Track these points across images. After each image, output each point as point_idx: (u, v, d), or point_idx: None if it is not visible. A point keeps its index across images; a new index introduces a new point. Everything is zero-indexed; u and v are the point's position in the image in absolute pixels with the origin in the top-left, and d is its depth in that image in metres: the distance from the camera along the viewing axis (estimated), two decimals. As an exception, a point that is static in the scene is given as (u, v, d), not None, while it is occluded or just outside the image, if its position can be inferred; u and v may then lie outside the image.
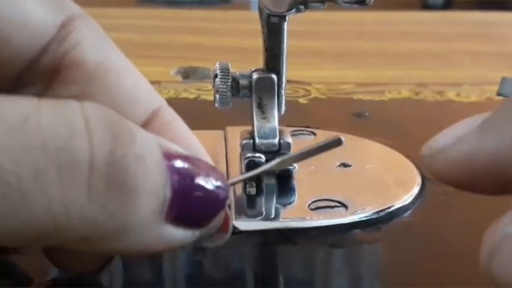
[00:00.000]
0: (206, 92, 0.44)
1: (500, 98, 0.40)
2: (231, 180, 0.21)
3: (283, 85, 0.31)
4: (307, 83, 0.47)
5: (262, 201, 0.30)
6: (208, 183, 0.18)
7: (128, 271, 0.26)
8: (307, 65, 0.52)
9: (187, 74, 0.48)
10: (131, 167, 0.16)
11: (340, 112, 0.42)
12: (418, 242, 0.28)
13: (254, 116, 0.31)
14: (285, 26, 0.30)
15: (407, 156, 0.34)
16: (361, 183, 0.32)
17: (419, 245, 0.28)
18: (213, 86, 0.31)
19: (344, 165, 0.33)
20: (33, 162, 0.15)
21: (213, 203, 0.19)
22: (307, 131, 0.37)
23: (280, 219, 0.29)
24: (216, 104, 0.31)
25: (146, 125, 0.21)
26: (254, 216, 0.29)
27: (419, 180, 0.32)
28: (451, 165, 0.19)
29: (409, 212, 0.30)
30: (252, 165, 0.30)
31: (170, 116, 0.22)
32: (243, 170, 0.31)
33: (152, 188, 0.17)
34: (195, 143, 0.22)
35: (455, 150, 0.19)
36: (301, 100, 0.44)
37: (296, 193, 0.31)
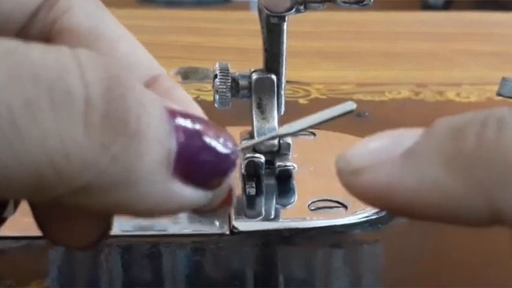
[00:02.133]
0: (206, 92, 0.44)
1: (500, 98, 0.40)
2: (240, 145, 0.20)
3: (283, 85, 0.31)
4: (307, 83, 0.47)
5: (262, 201, 0.30)
6: (217, 141, 0.17)
7: (128, 271, 0.26)
8: (307, 65, 0.52)
9: (187, 74, 0.48)
10: (132, 108, 0.15)
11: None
12: (418, 242, 0.28)
13: (254, 116, 0.31)
14: (285, 27, 0.30)
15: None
16: (361, 184, 0.32)
17: (418, 245, 0.28)
18: (213, 87, 0.31)
19: (344, 165, 0.33)
20: (23, 93, 0.14)
21: (222, 161, 0.18)
22: (307, 131, 0.37)
23: (280, 220, 0.29)
24: (216, 105, 0.31)
25: None
26: (254, 217, 0.29)
27: (418, 180, 0.32)
28: (369, 189, 0.18)
29: (409, 212, 0.30)
30: (251, 165, 0.30)
31: (170, 83, 0.21)
32: (243, 171, 0.31)
33: (157, 135, 0.16)
34: (198, 111, 0.21)
35: (375, 175, 0.18)
36: (301, 100, 0.44)
37: (296, 193, 0.31)
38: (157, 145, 0.16)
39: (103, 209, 0.18)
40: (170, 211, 0.18)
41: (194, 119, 0.17)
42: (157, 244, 0.27)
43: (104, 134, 0.15)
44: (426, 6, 1.66)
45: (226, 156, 0.18)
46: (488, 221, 0.17)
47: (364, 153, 0.19)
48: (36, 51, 0.15)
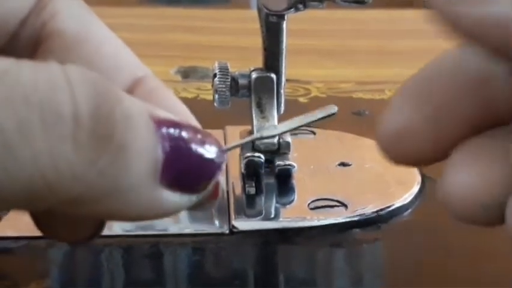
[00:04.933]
0: (205, 91, 0.44)
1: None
2: (225, 146, 0.20)
3: (283, 84, 0.31)
4: (307, 82, 0.47)
5: (261, 201, 0.30)
6: (202, 146, 0.18)
7: (128, 271, 0.26)
8: (306, 63, 0.52)
9: (187, 73, 0.48)
10: (118, 124, 0.16)
11: (340, 111, 0.42)
12: (418, 241, 0.28)
13: (253, 115, 0.31)
14: (284, 25, 0.30)
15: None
16: (361, 183, 0.32)
17: (418, 244, 0.28)
18: (212, 86, 0.31)
19: (344, 164, 0.33)
20: (15, 114, 0.15)
21: (208, 166, 0.18)
22: (307, 130, 0.37)
23: (280, 219, 0.29)
24: (215, 104, 0.31)
25: (129, 92, 0.21)
26: (254, 216, 0.29)
27: (418, 179, 0.32)
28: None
29: (409, 211, 0.30)
30: (251, 164, 0.30)
31: (155, 83, 0.22)
32: (243, 170, 0.31)
33: (143, 147, 0.17)
34: (183, 110, 0.22)
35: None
36: (301, 99, 0.44)
37: (296, 193, 0.31)
38: (143, 157, 0.17)
39: (93, 216, 0.19)
40: (158, 216, 0.18)
41: (179, 126, 0.18)
42: (157, 244, 0.27)
43: (91, 150, 0.16)
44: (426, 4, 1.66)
45: (212, 160, 0.18)
46: None
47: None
48: (26, 72, 0.15)
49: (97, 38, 0.21)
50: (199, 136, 0.18)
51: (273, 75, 0.31)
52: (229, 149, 0.21)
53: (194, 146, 0.18)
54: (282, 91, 0.31)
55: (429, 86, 0.19)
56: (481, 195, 0.18)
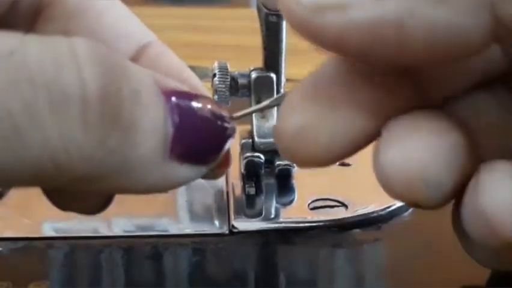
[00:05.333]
0: (205, 90, 0.44)
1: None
2: (235, 114, 0.20)
3: (283, 84, 0.31)
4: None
5: (261, 201, 0.30)
6: (212, 117, 0.18)
7: (128, 272, 0.26)
8: (306, 63, 0.52)
9: (186, 72, 0.48)
10: (126, 102, 0.16)
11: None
12: (418, 241, 0.28)
13: (253, 115, 0.31)
14: (284, 25, 0.30)
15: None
16: (361, 183, 0.31)
17: (419, 244, 0.28)
18: (212, 85, 0.31)
19: (344, 164, 0.33)
20: (22, 97, 0.14)
21: (218, 136, 0.18)
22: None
23: (280, 219, 0.29)
24: (215, 103, 0.31)
25: (135, 60, 0.21)
26: (254, 216, 0.29)
27: (419, 178, 0.32)
28: (350, 29, 0.16)
29: (409, 211, 0.30)
30: (251, 165, 0.30)
31: (160, 48, 0.22)
32: (242, 170, 0.30)
33: (152, 123, 0.16)
34: (190, 76, 0.21)
35: (354, 13, 0.16)
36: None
37: (296, 193, 0.31)
38: (152, 133, 0.16)
39: (102, 192, 0.19)
40: (168, 189, 0.18)
41: (188, 96, 0.17)
42: (156, 244, 0.27)
43: (100, 129, 0.15)
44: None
45: (222, 131, 0.18)
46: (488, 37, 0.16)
47: None
48: (33, 51, 0.15)
49: (99, 5, 0.21)
50: (208, 106, 0.18)
51: (273, 75, 0.31)
52: (239, 117, 0.20)
53: (204, 117, 0.17)
54: (282, 90, 0.31)
55: (327, 81, 0.18)
56: (421, 171, 0.17)
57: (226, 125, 0.18)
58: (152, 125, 0.16)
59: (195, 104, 0.17)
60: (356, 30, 0.16)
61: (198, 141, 0.17)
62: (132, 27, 0.21)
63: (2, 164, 0.15)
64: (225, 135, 0.18)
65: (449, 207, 0.30)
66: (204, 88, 0.21)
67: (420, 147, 0.17)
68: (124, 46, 0.21)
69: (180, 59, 0.22)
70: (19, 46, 0.15)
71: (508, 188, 0.16)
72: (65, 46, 0.15)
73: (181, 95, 0.17)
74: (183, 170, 0.17)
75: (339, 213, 0.29)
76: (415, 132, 0.17)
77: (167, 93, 0.17)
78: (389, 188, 0.18)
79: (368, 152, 0.35)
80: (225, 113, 0.18)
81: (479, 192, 0.17)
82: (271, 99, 0.23)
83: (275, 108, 0.31)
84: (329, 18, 0.16)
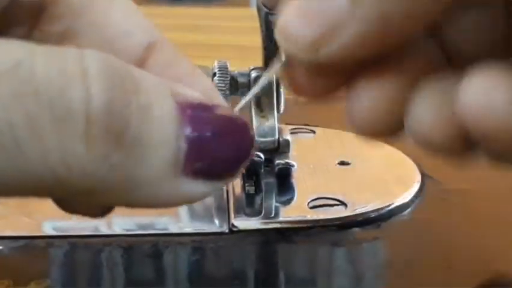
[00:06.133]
0: (205, 90, 0.44)
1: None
2: (235, 109, 0.19)
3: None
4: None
5: (261, 200, 0.30)
6: (229, 130, 0.17)
7: (128, 270, 0.26)
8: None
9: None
10: (133, 117, 0.15)
11: (339, 110, 0.42)
12: (417, 240, 0.28)
13: (253, 114, 0.31)
14: (284, 24, 0.30)
15: (407, 154, 0.34)
16: (360, 181, 0.32)
17: (418, 242, 0.28)
18: (212, 85, 0.31)
19: (344, 163, 0.33)
20: (25, 109, 0.14)
21: (237, 152, 0.17)
22: (306, 129, 0.37)
23: (280, 218, 0.29)
24: (215, 103, 0.31)
25: (143, 61, 0.20)
26: (253, 215, 0.29)
27: (418, 177, 0.32)
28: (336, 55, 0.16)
29: (409, 209, 0.30)
30: (250, 164, 0.30)
31: (170, 50, 0.21)
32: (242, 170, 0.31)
33: (161, 139, 0.16)
34: (203, 80, 0.20)
35: (340, 35, 0.16)
36: (300, 98, 0.44)
37: (295, 192, 0.31)
38: (162, 150, 0.16)
39: (107, 205, 0.18)
40: (182, 204, 0.18)
41: (205, 108, 0.17)
42: (156, 243, 0.27)
43: (102, 146, 0.15)
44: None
45: (241, 145, 0.17)
46: None
47: (307, 17, 0.16)
48: (40, 63, 0.15)
49: (104, 1, 0.20)
50: (225, 117, 0.17)
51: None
52: (240, 106, 0.19)
53: (220, 130, 0.17)
54: (281, 90, 0.31)
55: None
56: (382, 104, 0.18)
57: (245, 137, 0.17)
58: (162, 141, 0.16)
59: (211, 116, 0.17)
60: (357, 44, 0.16)
61: (214, 157, 0.16)
62: (139, 24, 0.21)
63: (2, 173, 0.14)
64: (244, 148, 0.17)
65: (448, 207, 0.30)
66: (219, 94, 0.21)
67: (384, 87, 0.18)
68: (131, 44, 0.20)
69: (188, 59, 0.21)
70: (27, 57, 0.15)
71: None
72: (75, 59, 0.15)
73: (197, 107, 0.16)
74: (199, 186, 0.17)
75: (339, 212, 0.29)
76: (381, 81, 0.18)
77: (183, 106, 0.16)
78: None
79: (367, 151, 0.35)
80: (244, 125, 0.17)
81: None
82: (264, 77, 0.20)
83: (275, 107, 0.31)
84: (325, 52, 0.16)
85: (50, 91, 0.14)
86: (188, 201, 0.17)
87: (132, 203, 0.17)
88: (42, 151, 0.14)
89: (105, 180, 0.15)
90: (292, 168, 0.31)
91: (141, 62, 0.20)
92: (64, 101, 0.14)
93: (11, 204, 0.29)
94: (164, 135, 0.16)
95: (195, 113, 0.16)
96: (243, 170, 0.17)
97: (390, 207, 0.29)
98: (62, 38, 0.20)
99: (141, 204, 0.17)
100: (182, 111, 0.16)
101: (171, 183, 0.16)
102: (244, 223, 0.28)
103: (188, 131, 0.16)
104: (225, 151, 0.17)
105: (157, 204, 0.17)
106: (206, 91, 0.19)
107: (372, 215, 0.29)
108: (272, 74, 0.19)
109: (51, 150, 0.14)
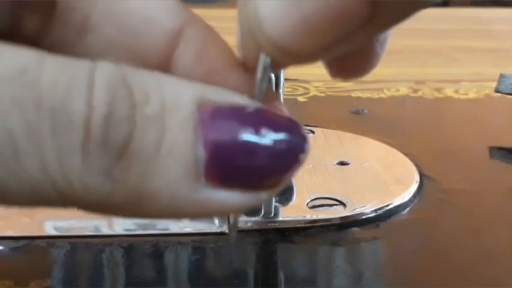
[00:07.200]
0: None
1: (499, 94, 0.40)
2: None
3: (282, 83, 0.31)
4: (306, 81, 0.47)
5: (261, 199, 0.30)
6: (266, 133, 0.15)
7: (129, 270, 0.26)
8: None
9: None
10: (136, 130, 0.14)
11: (339, 110, 0.42)
12: (416, 240, 0.28)
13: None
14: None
15: (406, 154, 0.34)
16: (359, 181, 0.32)
17: (417, 242, 0.28)
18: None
19: (342, 163, 0.33)
20: (25, 118, 0.14)
21: (277, 158, 0.15)
22: (305, 129, 0.37)
23: (279, 218, 0.29)
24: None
25: (172, 50, 0.19)
26: (253, 215, 0.29)
27: (417, 177, 0.32)
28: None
29: (407, 209, 0.30)
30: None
31: (202, 34, 0.19)
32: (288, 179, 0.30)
33: (172, 149, 0.15)
34: (240, 73, 0.19)
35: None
36: (300, 98, 0.44)
37: (295, 191, 0.31)
38: (173, 159, 0.15)
39: (130, 217, 0.17)
40: (212, 215, 0.17)
41: (233, 111, 0.15)
42: (157, 243, 0.27)
43: (101, 160, 0.14)
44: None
45: (283, 150, 0.15)
46: None
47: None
48: (48, 72, 0.14)
49: None
50: (264, 120, 0.15)
51: (272, 75, 0.31)
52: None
53: (253, 135, 0.15)
54: (281, 90, 0.31)
55: None
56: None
57: (290, 141, 0.15)
58: (173, 151, 0.15)
59: (241, 120, 0.15)
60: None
61: (245, 164, 0.15)
62: (163, 7, 0.19)
63: (2, 182, 0.14)
64: (288, 155, 0.15)
65: (446, 207, 0.30)
66: (273, 92, 0.19)
67: None
68: (154, 32, 0.18)
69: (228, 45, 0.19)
70: (35, 65, 0.14)
71: None
72: (85, 71, 0.14)
73: (225, 111, 0.15)
74: (229, 196, 0.15)
75: (338, 212, 0.29)
76: None
77: (207, 112, 0.15)
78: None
79: (366, 151, 0.35)
80: (291, 125, 0.16)
81: None
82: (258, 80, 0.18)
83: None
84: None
85: (53, 101, 0.14)
86: (223, 211, 0.16)
87: (154, 215, 0.16)
88: (40, 160, 0.14)
89: (111, 195, 0.15)
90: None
91: (169, 53, 0.19)
92: (66, 112, 0.14)
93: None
94: (175, 145, 0.15)
95: (219, 118, 0.15)
96: (288, 179, 0.16)
97: (389, 207, 0.29)
98: (81, 31, 0.19)
99: (163, 215, 0.16)
100: (203, 118, 0.15)
101: (191, 192, 0.15)
102: (243, 223, 0.28)
103: (209, 137, 0.15)
104: (259, 158, 0.15)
105: (183, 215, 0.16)
106: (241, 83, 0.18)
107: (371, 214, 0.29)
108: (260, 74, 0.18)
109: (49, 160, 0.14)
